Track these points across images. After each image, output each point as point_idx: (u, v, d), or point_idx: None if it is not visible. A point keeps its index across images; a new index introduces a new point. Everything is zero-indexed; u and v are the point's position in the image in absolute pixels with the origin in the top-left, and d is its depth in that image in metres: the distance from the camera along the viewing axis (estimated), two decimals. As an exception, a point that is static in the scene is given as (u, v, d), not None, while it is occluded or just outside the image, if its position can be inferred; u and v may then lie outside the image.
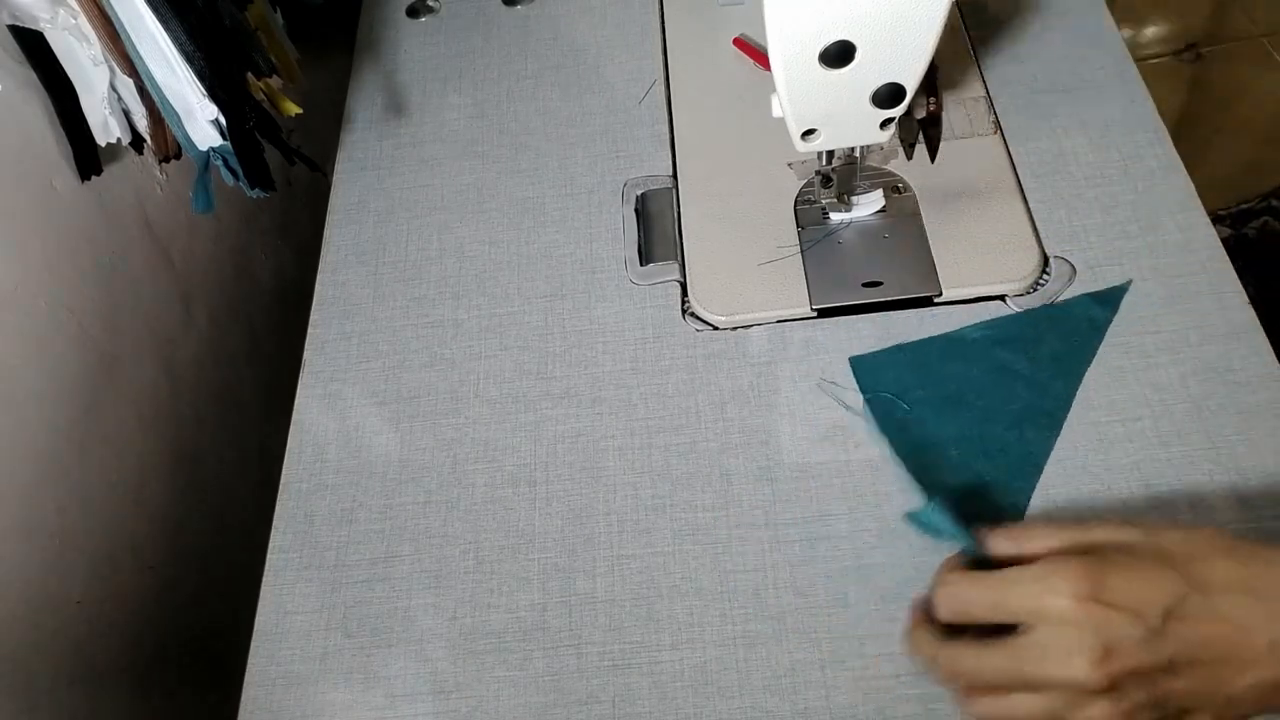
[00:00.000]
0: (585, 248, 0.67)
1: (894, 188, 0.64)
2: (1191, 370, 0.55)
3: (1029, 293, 0.59)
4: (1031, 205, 0.62)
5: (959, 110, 0.67)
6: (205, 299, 0.76)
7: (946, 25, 0.49)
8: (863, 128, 0.55)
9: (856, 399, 0.56)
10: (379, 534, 0.57)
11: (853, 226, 0.63)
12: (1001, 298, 0.59)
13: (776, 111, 0.55)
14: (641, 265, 0.65)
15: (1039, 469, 0.53)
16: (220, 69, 0.57)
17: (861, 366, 0.57)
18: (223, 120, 0.59)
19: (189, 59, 0.56)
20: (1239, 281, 0.58)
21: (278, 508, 0.59)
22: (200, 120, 0.59)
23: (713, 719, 0.49)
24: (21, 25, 0.54)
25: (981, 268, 0.60)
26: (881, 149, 0.66)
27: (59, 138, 0.59)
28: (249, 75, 0.63)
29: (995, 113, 0.67)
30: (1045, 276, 0.60)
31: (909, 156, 0.65)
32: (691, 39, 0.74)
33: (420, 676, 0.52)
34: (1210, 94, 1.50)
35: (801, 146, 0.57)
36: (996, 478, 0.52)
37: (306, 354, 0.65)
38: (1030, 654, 0.38)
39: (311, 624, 0.55)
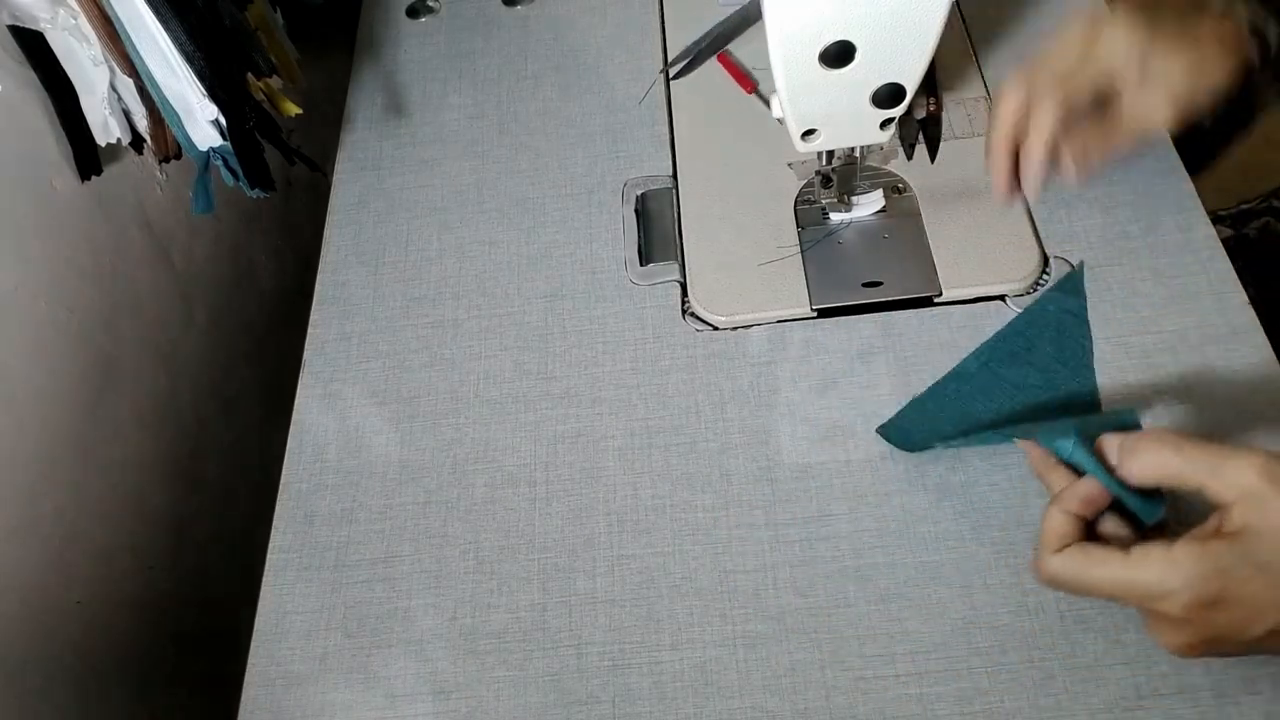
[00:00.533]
0: (585, 248, 0.67)
1: (894, 188, 0.64)
2: (1191, 370, 0.55)
3: (1029, 293, 0.59)
4: (1031, 205, 0.62)
5: (959, 110, 0.67)
6: (205, 299, 0.76)
7: (946, 25, 0.49)
8: (863, 128, 0.55)
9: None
10: (379, 534, 0.57)
11: (853, 226, 0.63)
12: (1001, 298, 0.59)
13: (776, 111, 0.55)
14: (641, 265, 0.65)
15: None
16: (220, 69, 0.57)
17: (891, 433, 0.55)
18: (223, 120, 0.59)
19: (189, 59, 0.56)
20: (1239, 281, 0.58)
21: (278, 508, 0.59)
22: (200, 120, 0.59)
23: (713, 719, 0.49)
24: (21, 25, 0.54)
25: (981, 268, 0.60)
26: (881, 149, 0.66)
27: (59, 138, 0.59)
28: (249, 75, 0.63)
29: (995, 113, 0.67)
30: (1045, 276, 0.60)
31: (909, 156, 0.65)
32: (692, 39, 0.74)
33: (420, 676, 0.52)
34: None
35: (801, 146, 0.57)
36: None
37: (306, 354, 0.65)
38: (1133, 595, 0.41)
39: (311, 624, 0.55)
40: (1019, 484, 0.53)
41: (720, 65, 0.72)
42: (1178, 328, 0.57)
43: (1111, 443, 0.44)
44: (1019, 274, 0.59)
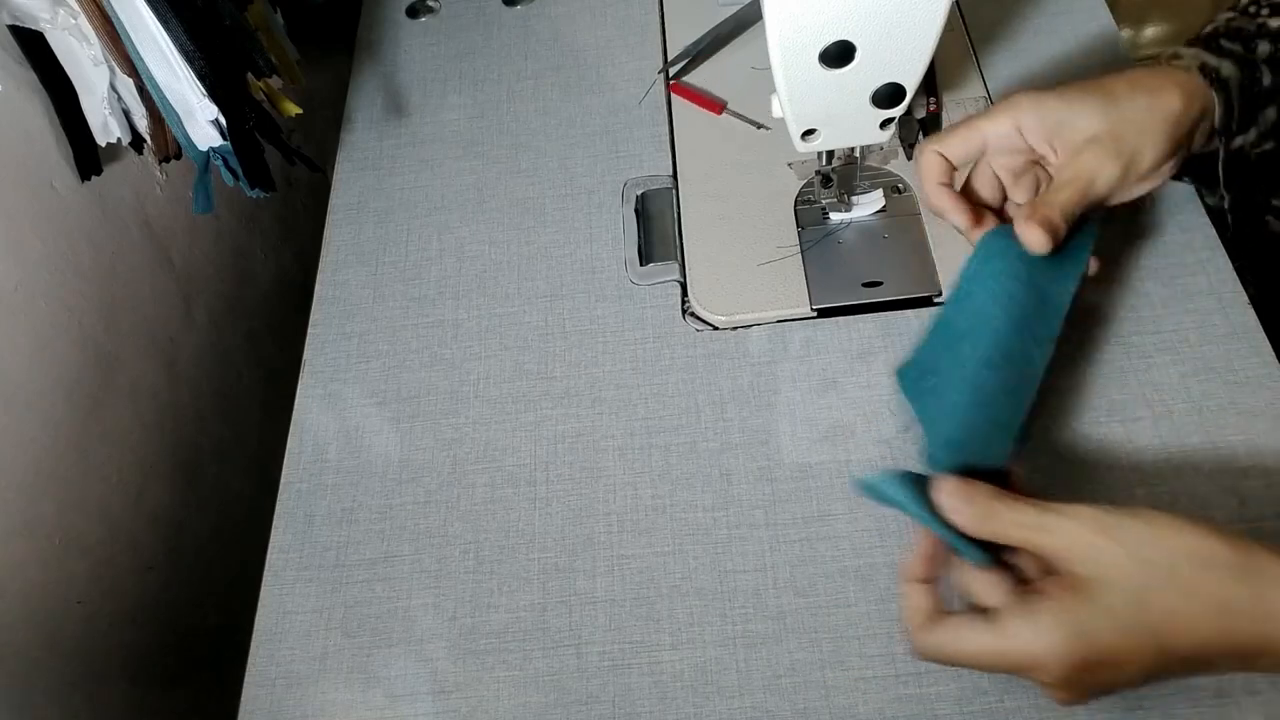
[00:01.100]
0: (585, 248, 0.67)
1: (894, 188, 0.64)
2: (1191, 370, 0.55)
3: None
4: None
5: (959, 110, 0.67)
6: (205, 299, 0.76)
7: (946, 25, 0.49)
8: (863, 128, 0.55)
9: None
10: (379, 534, 0.57)
11: (853, 226, 0.63)
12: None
13: (776, 111, 0.55)
14: (641, 265, 0.65)
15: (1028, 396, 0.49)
16: (220, 69, 0.57)
17: (907, 380, 0.53)
18: (223, 120, 0.59)
19: (189, 59, 0.56)
20: (1239, 281, 0.58)
21: (278, 508, 0.59)
22: (200, 120, 0.59)
23: (713, 719, 0.49)
24: (21, 25, 0.54)
25: (981, 268, 0.60)
26: (881, 149, 0.66)
27: (59, 138, 0.59)
28: (249, 75, 0.63)
29: (995, 113, 0.67)
30: (1045, 276, 0.60)
31: (909, 156, 0.65)
32: (692, 39, 0.74)
33: (420, 676, 0.52)
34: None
35: (801, 146, 0.57)
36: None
37: (306, 354, 0.65)
38: (1005, 667, 0.42)
39: (311, 624, 0.55)
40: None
41: (679, 96, 0.71)
42: (1178, 328, 0.57)
43: (943, 488, 0.44)
44: (1019, 274, 0.59)
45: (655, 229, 0.68)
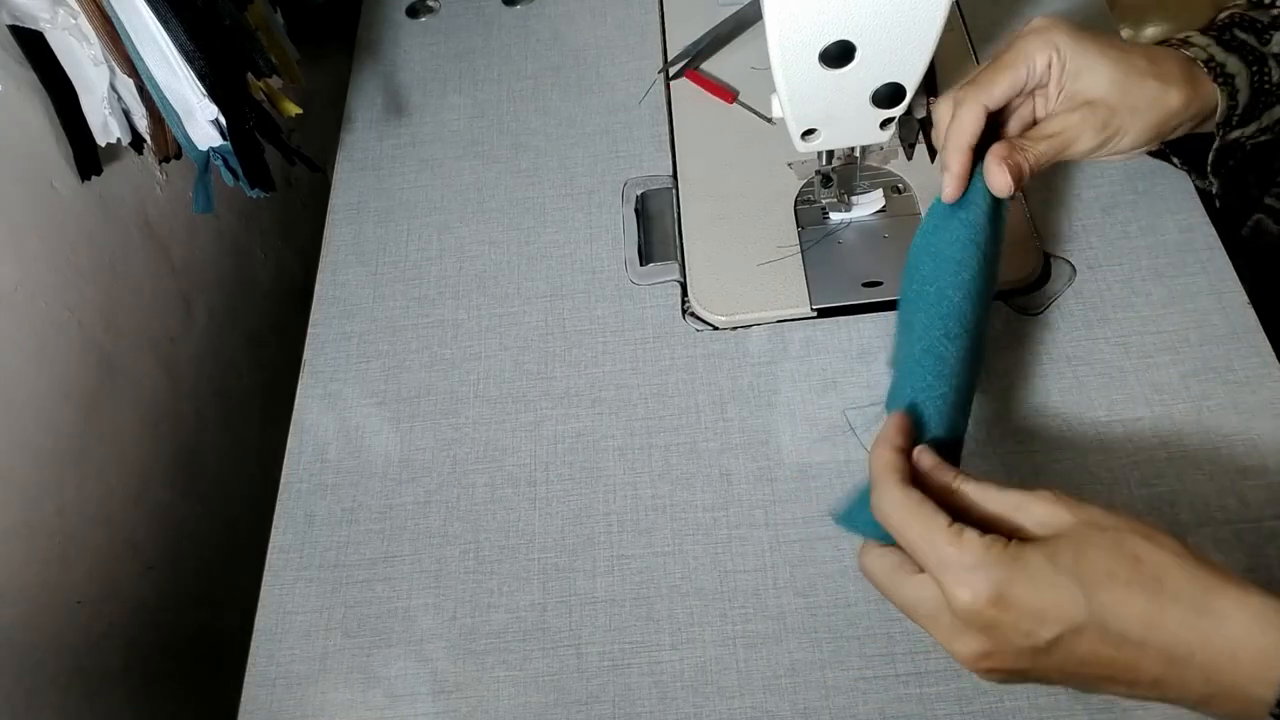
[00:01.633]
0: (585, 248, 0.67)
1: (894, 188, 0.64)
2: (1191, 370, 0.55)
3: (1029, 292, 0.59)
4: (1031, 205, 0.62)
5: (959, 110, 0.67)
6: (205, 299, 0.76)
7: (946, 25, 0.49)
8: (863, 128, 0.55)
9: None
10: (379, 534, 0.57)
11: (853, 226, 0.63)
12: (1002, 298, 0.59)
13: (776, 111, 0.55)
14: (641, 265, 0.65)
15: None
16: (220, 69, 0.57)
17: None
18: (223, 120, 0.59)
19: (189, 59, 0.56)
20: (1239, 281, 0.58)
21: (278, 508, 0.59)
22: (200, 120, 0.59)
23: (713, 719, 0.49)
24: (21, 25, 0.54)
25: (981, 268, 0.60)
26: (881, 149, 0.66)
27: (59, 138, 0.59)
28: (249, 75, 0.63)
29: (995, 113, 0.66)
30: (1045, 276, 0.60)
31: (909, 156, 0.65)
32: (692, 39, 0.74)
33: (420, 676, 0.52)
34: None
35: (801, 146, 0.57)
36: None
37: (306, 354, 0.65)
38: (922, 609, 0.40)
39: (311, 624, 0.55)
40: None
41: (693, 83, 0.71)
42: (1178, 328, 0.57)
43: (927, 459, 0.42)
44: (1019, 274, 0.59)
45: (655, 229, 0.68)
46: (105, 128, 0.59)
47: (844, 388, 0.58)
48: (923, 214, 0.62)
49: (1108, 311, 0.58)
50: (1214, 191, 0.56)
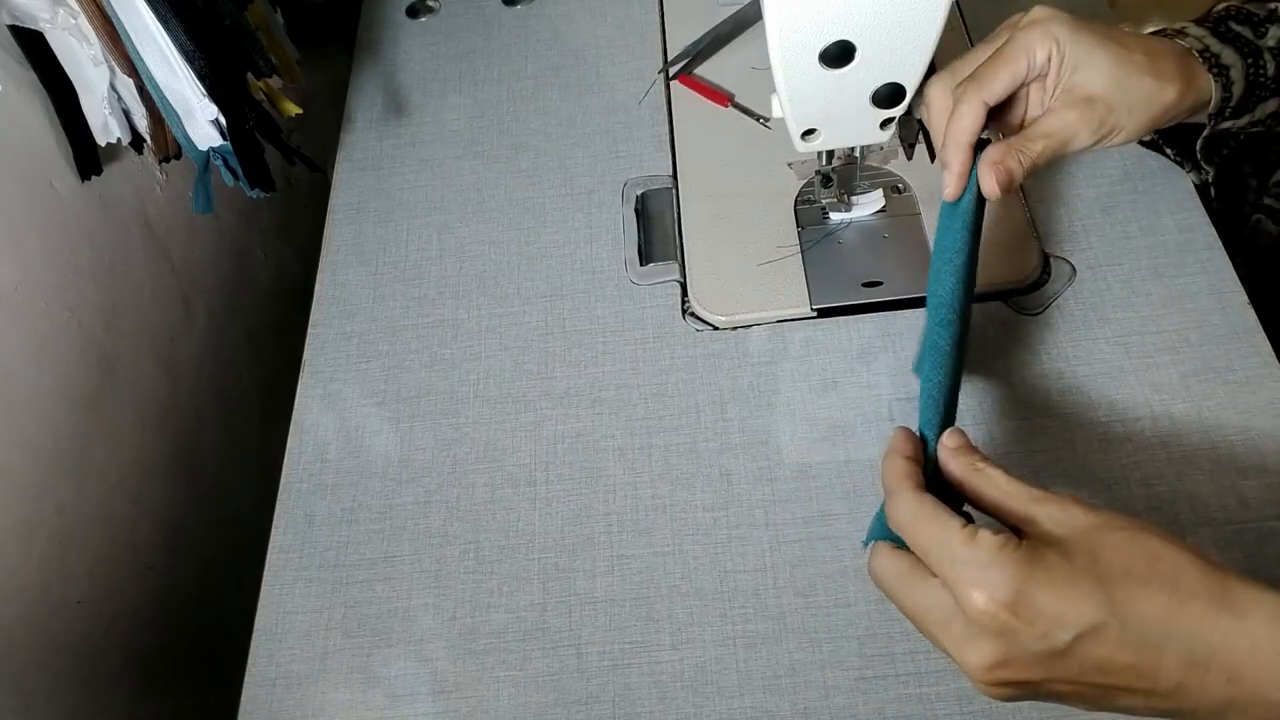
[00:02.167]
0: (585, 248, 0.67)
1: (894, 188, 0.64)
2: (1191, 370, 0.55)
3: (1029, 292, 0.59)
4: (1031, 205, 0.62)
5: (959, 110, 0.67)
6: (205, 299, 0.76)
7: (946, 25, 0.49)
8: (863, 128, 0.55)
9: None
10: (379, 534, 0.57)
11: (853, 226, 0.63)
12: (1002, 298, 0.59)
13: (776, 111, 0.55)
14: (641, 265, 0.65)
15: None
16: (220, 69, 0.57)
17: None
18: (223, 120, 0.59)
19: (189, 59, 0.56)
20: (1239, 281, 0.58)
21: (278, 508, 0.59)
22: (200, 120, 0.59)
23: (712, 719, 0.49)
24: (21, 25, 0.54)
25: (981, 268, 0.59)
26: (881, 149, 0.66)
27: (59, 138, 0.59)
28: (249, 75, 0.63)
29: (995, 113, 0.67)
30: (1045, 276, 0.60)
31: (909, 156, 0.65)
32: (692, 39, 0.74)
33: (420, 676, 0.52)
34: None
35: (801, 146, 0.57)
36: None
37: (306, 354, 0.65)
38: (932, 615, 0.38)
39: (311, 624, 0.55)
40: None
41: (687, 88, 0.71)
42: (1178, 328, 0.57)
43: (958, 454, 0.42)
44: (1019, 274, 0.59)
45: (655, 229, 0.68)
46: (105, 128, 0.59)
47: (844, 388, 0.58)
48: (923, 215, 0.63)
49: (1108, 311, 0.58)
50: (1209, 181, 0.56)
